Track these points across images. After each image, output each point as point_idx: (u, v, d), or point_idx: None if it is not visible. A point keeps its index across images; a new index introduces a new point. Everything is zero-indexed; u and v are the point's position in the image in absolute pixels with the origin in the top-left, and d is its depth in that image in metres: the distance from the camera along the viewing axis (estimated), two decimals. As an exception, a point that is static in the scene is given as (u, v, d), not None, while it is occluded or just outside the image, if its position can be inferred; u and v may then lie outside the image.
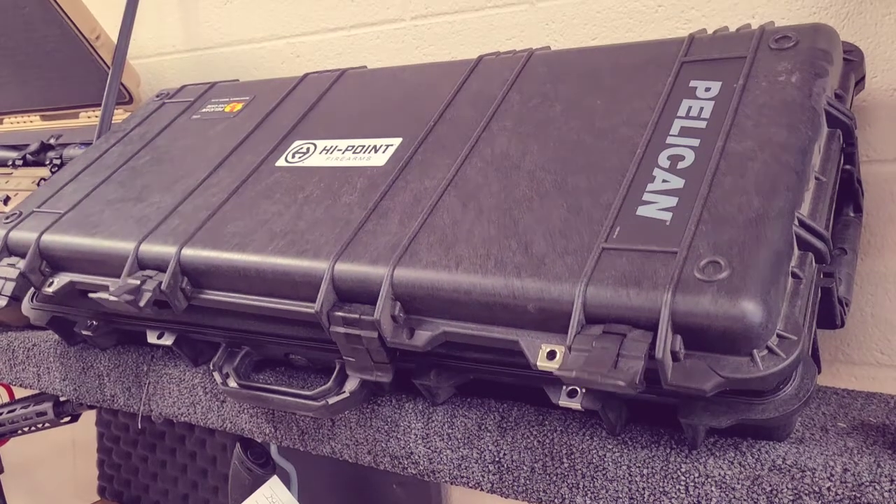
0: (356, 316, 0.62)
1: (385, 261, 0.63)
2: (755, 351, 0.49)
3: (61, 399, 1.15)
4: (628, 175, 0.62)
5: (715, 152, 0.60)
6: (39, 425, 1.19)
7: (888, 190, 0.84)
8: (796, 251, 0.54)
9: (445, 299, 0.60)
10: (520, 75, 0.80)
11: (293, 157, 0.82)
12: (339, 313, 0.63)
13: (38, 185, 1.13)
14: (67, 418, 1.18)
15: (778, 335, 0.50)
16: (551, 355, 0.54)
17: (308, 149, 0.82)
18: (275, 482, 1.07)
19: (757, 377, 0.49)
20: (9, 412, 1.19)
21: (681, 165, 0.61)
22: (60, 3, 1.13)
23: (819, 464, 0.55)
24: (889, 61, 0.82)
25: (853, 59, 0.75)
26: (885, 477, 0.53)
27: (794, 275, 0.53)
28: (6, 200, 1.12)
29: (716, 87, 0.67)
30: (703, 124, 0.64)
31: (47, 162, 1.16)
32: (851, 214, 0.78)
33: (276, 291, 0.69)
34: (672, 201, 0.58)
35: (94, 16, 1.18)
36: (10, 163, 1.18)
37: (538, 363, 0.55)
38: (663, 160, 0.62)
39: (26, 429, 1.21)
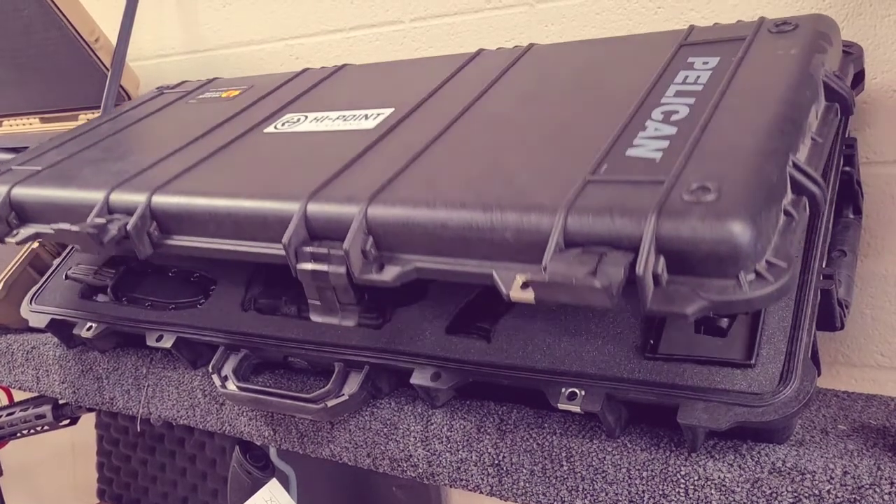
0: (325, 251, 0.60)
1: (361, 199, 0.61)
2: (742, 273, 0.47)
3: (60, 402, 1.15)
4: (620, 126, 0.61)
5: (710, 107, 0.59)
6: (38, 428, 1.19)
7: (888, 192, 0.84)
8: (790, 193, 0.52)
9: (421, 232, 0.58)
10: (519, 60, 0.81)
11: (283, 125, 0.82)
12: (308, 248, 0.61)
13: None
14: (66, 421, 1.18)
15: (767, 262, 0.47)
16: (526, 286, 0.52)
17: (299, 119, 0.83)
18: (274, 485, 1.06)
19: (743, 300, 0.47)
20: (8, 415, 1.18)
21: (674, 118, 0.60)
22: (60, 5, 1.13)
23: (819, 466, 0.55)
24: (888, 63, 0.82)
25: (852, 52, 0.75)
26: (886, 480, 0.53)
27: (787, 213, 0.51)
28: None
29: (714, 61, 0.67)
30: (699, 87, 0.63)
31: (46, 164, 1.16)
32: (851, 216, 0.78)
33: (247, 234, 0.67)
34: (663, 144, 0.57)
35: (93, 18, 1.18)
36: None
37: (511, 293, 0.52)
38: (657, 114, 0.61)
39: (25, 432, 1.20)
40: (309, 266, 0.61)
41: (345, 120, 0.78)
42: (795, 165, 0.53)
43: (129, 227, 0.70)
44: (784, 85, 0.60)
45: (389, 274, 0.59)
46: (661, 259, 0.48)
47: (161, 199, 0.71)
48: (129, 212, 0.72)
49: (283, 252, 0.62)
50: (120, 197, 0.74)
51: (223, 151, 0.79)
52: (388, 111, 0.77)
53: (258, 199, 0.66)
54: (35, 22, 1.17)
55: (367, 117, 0.77)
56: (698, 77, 0.65)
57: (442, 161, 0.64)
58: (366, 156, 0.69)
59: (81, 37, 1.16)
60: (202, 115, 0.92)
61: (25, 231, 0.81)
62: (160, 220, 0.72)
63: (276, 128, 0.82)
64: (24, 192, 0.81)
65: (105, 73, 1.18)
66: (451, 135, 0.69)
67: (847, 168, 0.73)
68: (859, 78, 0.77)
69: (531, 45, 0.84)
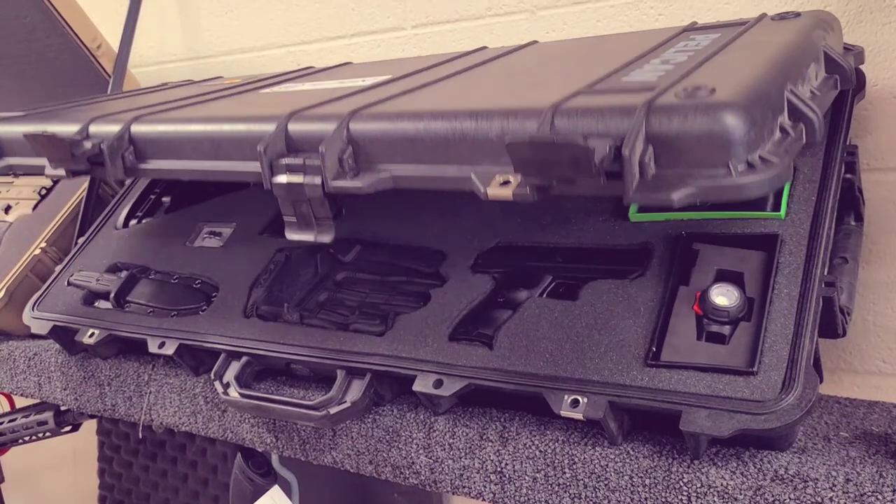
0: (300, 161, 0.59)
1: (343, 115, 0.60)
2: (733, 161, 0.46)
3: (62, 408, 1.15)
4: (619, 65, 0.61)
5: (710, 53, 0.60)
6: (40, 434, 1.19)
7: (889, 199, 0.84)
8: (787, 117, 0.51)
9: (402, 140, 0.57)
10: (522, 49, 0.83)
11: (280, 88, 0.84)
12: (284, 160, 0.60)
13: (40, 193, 1.13)
14: (68, 427, 1.17)
15: (760, 157, 0.47)
16: (507, 184, 0.51)
17: (296, 87, 0.84)
18: (276, 492, 1.07)
19: (732, 185, 0.46)
20: (9, 421, 1.18)
21: (673, 61, 0.60)
22: (62, 12, 1.13)
23: (821, 474, 0.55)
24: (889, 70, 0.82)
25: (853, 50, 0.76)
26: (888, 487, 0.53)
27: (783, 129, 0.50)
28: (7, 209, 1.12)
29: (715, 35, 0.69)
30: (699, 47, 0.65)
31: (48, 171, 1.16)
32: (852, 223, 0.77)
33: (224, 154, 0.66)
34: (661, 73, 0.57)
35: (95, 25, 1.18)
36: (10, 172, 1.18)
37: (489, 190, 0.51)
38: (656, 61, 0.62)
39: (27, 438, 1.20)
40: (284, 178, 0.60)
41: (342, 84, 0.79)
42: (793, 92, 0.52)
43: (103, 146, 0.70)
44: (784, 41, 0.61)
45: (364, 181, 0.58)
46: (650, 148, 0.47)
47: (140, 128, 0.72)
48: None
49: (258, 169, 0.61)
50: (99, 128, 0.74)
51: (216, 101, 0.80)
52: (383, 77, 0.78)
53: (239, 122, 0.66)
54: (37, 28, 1.17)
55: (363, 81, 0.78)
56: (699, 43, 0.66)
57: (436, 93, 0.65)
58: (357, 95, 0.69)
59: (83, 43, 1.16)
60: (203, 89, 0.94)
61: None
62: (137, 145, 0.72)
63: (272, 90, 0.83)
64: (3, 129, 0.82)
65: (107, 79, 1.18)
66: (444, 82, 0.70)
67: (848, 175, 0.73)
68: (861, 80, 0.77)
69: (534, 42, 0.87)
